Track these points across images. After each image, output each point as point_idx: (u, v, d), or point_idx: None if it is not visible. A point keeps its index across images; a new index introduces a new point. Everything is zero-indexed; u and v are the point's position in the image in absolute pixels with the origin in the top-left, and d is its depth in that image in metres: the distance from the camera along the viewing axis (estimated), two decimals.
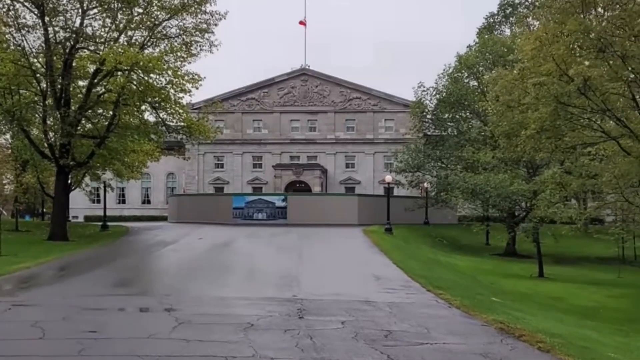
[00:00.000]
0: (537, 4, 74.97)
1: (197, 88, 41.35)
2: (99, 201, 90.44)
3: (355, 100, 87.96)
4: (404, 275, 24.22)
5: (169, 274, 25.20)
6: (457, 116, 56.65)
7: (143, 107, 42.78)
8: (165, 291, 19.03)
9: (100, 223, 52.40)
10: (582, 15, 22.93)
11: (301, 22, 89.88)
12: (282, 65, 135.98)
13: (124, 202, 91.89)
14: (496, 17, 77.11)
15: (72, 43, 42.38)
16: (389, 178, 49.42)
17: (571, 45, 23.73)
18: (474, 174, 43.54)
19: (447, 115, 56.94)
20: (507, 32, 72.59)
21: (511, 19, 75.62)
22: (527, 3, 76.32)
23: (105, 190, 55.27)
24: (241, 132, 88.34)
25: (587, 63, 22.91)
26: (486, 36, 59.87)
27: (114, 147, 46.46)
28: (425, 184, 61.11)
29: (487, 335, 12.63)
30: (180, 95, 41.38)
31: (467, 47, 62.60)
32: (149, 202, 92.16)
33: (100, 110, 46.43)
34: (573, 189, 29.27)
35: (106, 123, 44.53)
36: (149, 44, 43.53)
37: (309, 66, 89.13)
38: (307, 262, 28.35)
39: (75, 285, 20.15)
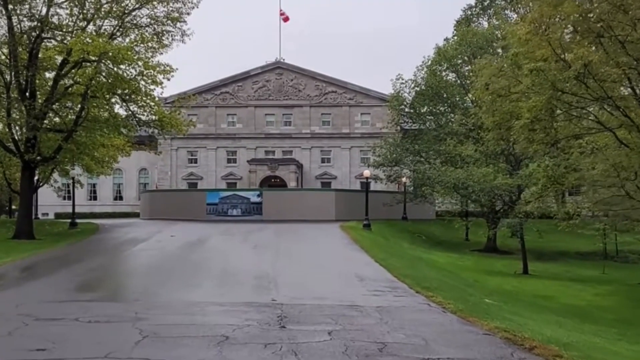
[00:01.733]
0: None
1: (168, 79, 39.58)
2: (69, 198, 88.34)
3: (331, 94, 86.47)
4: (388, 275, 22.85)
5: (138, 275, 23.57)
6: (436, 109, 55.44)
7: (113, 100, 40.87)
8: (132, 295, 17.44)
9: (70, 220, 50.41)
10: None
11: (283, 17, 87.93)
12: (257, 60, 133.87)
13: (95, 198, 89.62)
14: (474, 9, 76.25)
15: (37, 32, 40.44)
16: (367, 172, 47.97)
17: (565, 29, 22.44)
18: (454, 168, 42.30)
19: (425, 108, 55.69)
20: (485, 24, 71.77)
21: (489, 11, 74.83)
22: None
23: (73, 186, 53.26)
24: (215, 127, 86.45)
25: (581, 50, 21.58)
26: (466, 28, 58.66)
27: (83, 142, 44.68)
28: (403, 179, 59.95)
29: (494, 347, 11.21)
30: (152, 87, 39.61)
31: (445, 39, 61.45)
32: (121, 198, 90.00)
33: (69, 104, 44.42)
34: (571, 183, 27.98)
35: (74, 116, 42.61)
36: (118, 33, 41.68)
37: (283, 59, 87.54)
38: (285, 261, 26.84)
39: (34, 289, 18.43)
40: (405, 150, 54.28)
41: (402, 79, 54.69)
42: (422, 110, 55.20)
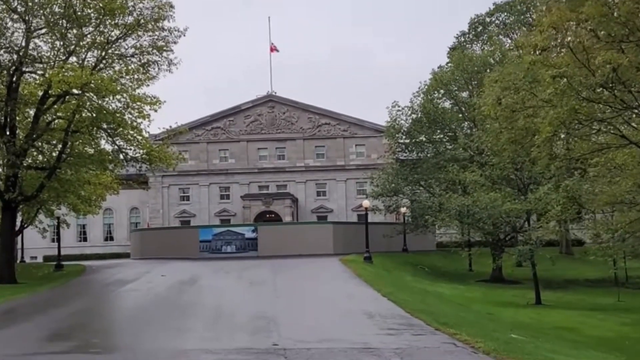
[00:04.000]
0: (507, 22, 73.71)
1: (155, 111, 37.54)
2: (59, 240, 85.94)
3: (325, 126, 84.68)
4: (400, 310, 20.66)
5: (121, 320, 21.28)
6: (434, 137, 53.45)
7: (98, 135, 38.68)
8: (111, 345, 15.21)
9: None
10: None
11: (272, 48, 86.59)
12: (249, 94, 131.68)
13: (85, 239, 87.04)
14: (467, 35, 75.16)
15: (16, 65, 38.51)
16: (366, 203, 45.76)
17: (586, 35, 20.53)
18: (457, 195, 40.19)
19: (422, 136, 53.63)
20: (478, 50, 70.46)
21: (482, 37, 73.72)
22: (497, 22, 74.66)
23: (59, 227, 50.85)
24: (207, 163, 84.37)
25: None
26: (461, 53, 57.00)
27: (67, 179, 42.46)
28: (402, 209, 57.87)
29: None
30: (139, 120, 37.53)
31: (439, 67, 59.57)
32: (111, 238, 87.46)
33: (54, 141, 42.29)
34: (603, 201, 25.79)
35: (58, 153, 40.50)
36: (102, 65, 39.74)
37: (275, 92, 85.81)
38: (285, 299, 24.58)
39: (1, 339, 16.15)
40: (404, 179, 52.15)
41: (399, 106, 52.86)
42: (419, 139, 53.10)
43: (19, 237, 68.14)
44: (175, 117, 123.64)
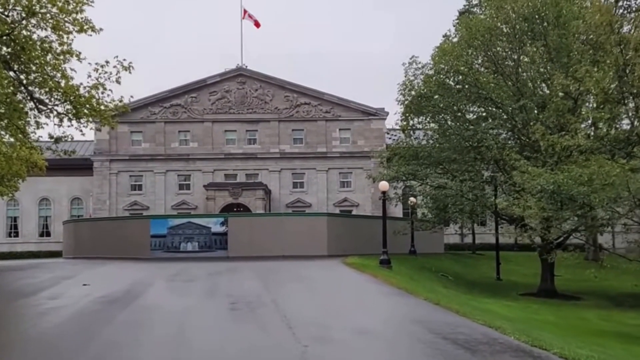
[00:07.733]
0: None
1: (85, 31, 24.47)
2: None
3: (304, 107, 72.02)
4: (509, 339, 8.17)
5: None
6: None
7: None
8: None
9: None
10: None
11: (254, 21, 73.33)
12: (216, 69, 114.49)
13: (16, 235, 73.38)
14: None
15: None
16: (384, 185, 32.93)
17: None
18: (544, 170, 27.50)
19: (442, 104, 40.57)
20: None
21: None
22: None
23: None
24: (164, 146, 70.91)
25: None
26: None
27: None
28: (412, 199, 45.64)
29: None
30: (56, 45, 24.38)
31: (443, 36, 46.22)
32: (48, 234, 73.66)
33: None
34: None
35: None
36: None
37: (246, 66, 72.88)
38: (319, 347, 11.76)
39: None
40: (425, 159, 39.07)
41: (417, 63, 39.93)
42: (439, 106, 39.97)
43: None
44: (132, 94, 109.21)
